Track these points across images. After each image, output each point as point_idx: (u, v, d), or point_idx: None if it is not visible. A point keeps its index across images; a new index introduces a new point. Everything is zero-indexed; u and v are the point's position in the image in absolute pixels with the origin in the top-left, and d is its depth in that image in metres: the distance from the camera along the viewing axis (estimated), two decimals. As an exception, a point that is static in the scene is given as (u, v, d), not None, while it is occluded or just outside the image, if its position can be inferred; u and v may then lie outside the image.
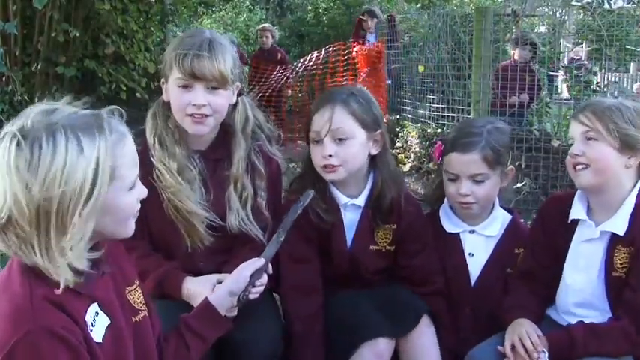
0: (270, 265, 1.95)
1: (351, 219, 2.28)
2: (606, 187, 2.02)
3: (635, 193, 2.01)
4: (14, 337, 1.30)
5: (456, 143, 2.29)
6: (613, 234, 2.01)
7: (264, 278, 1.93)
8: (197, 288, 2.05)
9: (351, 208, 2.27)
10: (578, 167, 2.01)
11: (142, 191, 1.51)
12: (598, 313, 2.04)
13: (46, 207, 1.30)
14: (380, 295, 2.24)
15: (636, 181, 2.03)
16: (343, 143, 2.14)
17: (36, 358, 1.31)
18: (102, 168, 1.34)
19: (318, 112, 2.18)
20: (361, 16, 9.22)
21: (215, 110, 2.08)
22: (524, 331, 1.99)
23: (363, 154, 2.20)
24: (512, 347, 1.99)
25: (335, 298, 2.25)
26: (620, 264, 2.00)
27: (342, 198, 2.25)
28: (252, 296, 1.89)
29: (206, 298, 1.86)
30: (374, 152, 2.23)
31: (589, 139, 1.99)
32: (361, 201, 2.26)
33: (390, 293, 2.26)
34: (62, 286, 1.36)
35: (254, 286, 1.89)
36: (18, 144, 1.30)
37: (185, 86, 2.05)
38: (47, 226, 1.31)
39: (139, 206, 1.51)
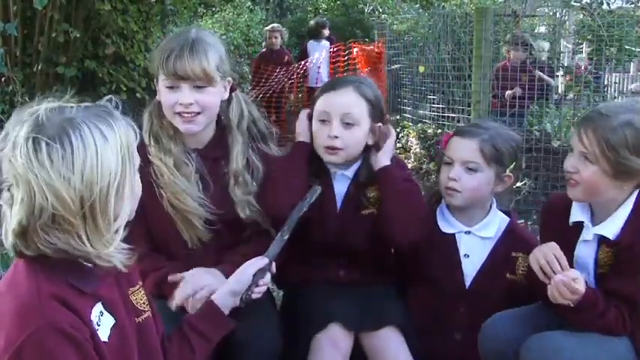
0: (273, 265, 1.94)
1: (339, 188, 2.31)
2: (599, 200, 2.01)
3: (631, 200, 2.00)
4: (22, 335, 1.31)
5: (461, 129, 2.39)
6: (604, 236, 2.01)
7: (268, 278, 1.93)
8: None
9: (340, 178, 2.31)
10: (570, 181, 2.01)
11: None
12: None
13: (88, 197, 1.34)
14: (357, 292, 2.25)
15: (633, 190, 2.00)
16: (350, 127, 2.20)
17: (44, 355, 1.32)
18: (124, 152, 1.40)
19: (331, 92, 2.22)
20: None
21: (204, 107, 2.09)
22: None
23: (363, 143, 2.24)
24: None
25: (309, 289, 2.28)
26: (604, 262, 2.02)
27: (332, 167, 2.30)
28: (255, 296, 1.89)
29: (210, 298, 1.85)
30: (370, 143, 2.26)
31: (586, 158, 1.95)
32: (350, 173, 2.30)
33: (369, 292, 2.27)
34: (121, 267, 1.43)
35: (257, 286, 1.89)
36: (47, 143, 1.32)
37: (171, 87, 2.07)
38: (93, 215, 1.35)
39: (141, 188, 1.54)
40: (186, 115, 2.07)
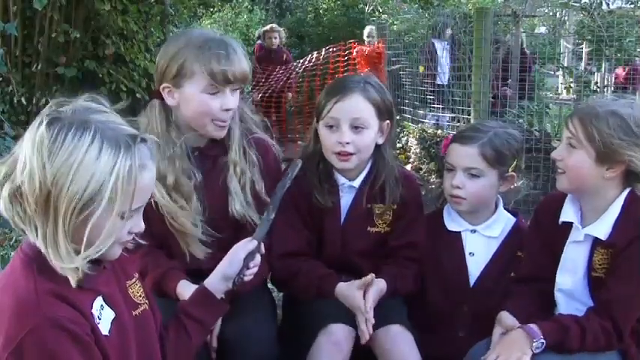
0: (262, 246, 1.93)
1: (346, 200, 2.31)
2: (586, 194, 2.02)
3: (620, 200, 2.00)
4: (22, 332, 1.31)
5: (460, 135, 2.36)
6: (596, 237, 2.01)
7: (258, 259, 1.91)
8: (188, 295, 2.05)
9: (347, 189, 2.30)
10: (558, 170, 2.04)
11: (138, 225, 1.49)
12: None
13: (55, 195, 1.32)
14: None
15: (622, 190, 2.01)
16: (360, 132, 2.19)
17: (45, 351, 1.31)
18: (109, 184, 1.34)
19: (337, 98, 2.19)
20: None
21: (234, 111, 2.11)
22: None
23: (373, 144, 2.24)
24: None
25: None
26: (599, 265, 2.02)
27: (341, 179, 2.29)
28: (246, 278, 1.88)
29: (202, 284, 1.86)
30: (380, 142, 2.26)
31: (571, 145, 1.98)
32: (357, 183, 2.29)
33: None
34: (72, 282, 1.38)
35: (248, 268, 1.89)
36: (49, 124, 1.34)
37: (215, 92, 2.03)
38: (55, 219, 1.33)
39: (128, 237, 1.49)
40: (223, 122, 2.07)
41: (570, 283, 2.07)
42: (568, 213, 2.08)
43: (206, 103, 2.03)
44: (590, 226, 2.03)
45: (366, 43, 8.91)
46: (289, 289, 2.36)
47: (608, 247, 2.00)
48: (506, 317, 2.04)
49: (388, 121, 2.26)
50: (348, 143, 2.17)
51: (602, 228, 2.00)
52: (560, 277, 2.09)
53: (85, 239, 1.36)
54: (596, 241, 2.02)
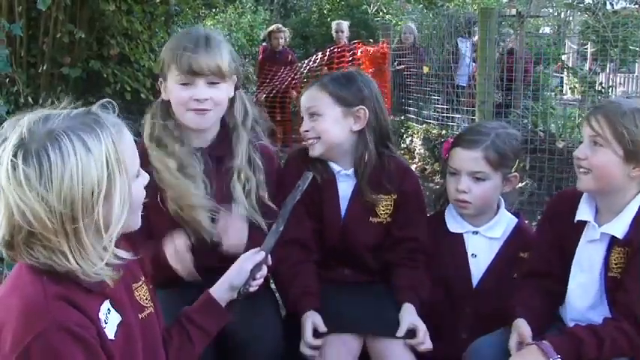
0: (269, 257, 1.94)
1: (345, 190, 2.32)
2: (608, 192, 2.01)
3: (638, 199, 1.99)
4: (29, 335, 1.30)
5: (461, 138, 2.35)
6: (613, 236, 2.00)
7: (264, 270, 1.92)
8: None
9: (345, 178, 2.31)
10: (580, 170, 2.01)
11: (145, 177, 1.53)
12: (602, 315, 2.02)
13: (68, 214, 1.31)
14: (363, 293, 2.26)
15: None
16: (316, 119, 2.26)
17: (52, 355, 1.31)
18: (111, 162, 1.35)
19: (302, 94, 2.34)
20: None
21: (216, 103, 2.12)
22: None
23: (340, 130, 2.26)
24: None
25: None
26: (615, 264, 2.00)
27: (335, 167, 2.32)
28: (252, 289, 1.89)
29: (207, 292, 1.86)
30: (356, 128, 2.27)
31: (596, 143, 1.97)
32: (351, 171, 2.31)
33: (375, 293, 2.27)
34: (109, 282, 1.41)
35: (254, 279, 1.90)
36: (24, 158, 1.30)
37: (185, 83, 2.09)
38: (77, 231, 1.33)
39: (144, 193, 1.52)
40: (199, 110, 2.09)
41: (585, 282, 2.06)
42: (584, 212, 2.06)
43: (179, 93, 2.10)
44: (608, 224, 2.01)
45: (335, 38, 8.91)
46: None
47: (624, 246, 1.98)
48: (522, 325, 2.01)
49: (361, 107, 2.25)
50: (307, 131, 2.26)
51: (620, 226, 1.99)
52: (574, 275, 2.08)
53: (115, 219, 1.37)
54: (612, 240, 2.01)
